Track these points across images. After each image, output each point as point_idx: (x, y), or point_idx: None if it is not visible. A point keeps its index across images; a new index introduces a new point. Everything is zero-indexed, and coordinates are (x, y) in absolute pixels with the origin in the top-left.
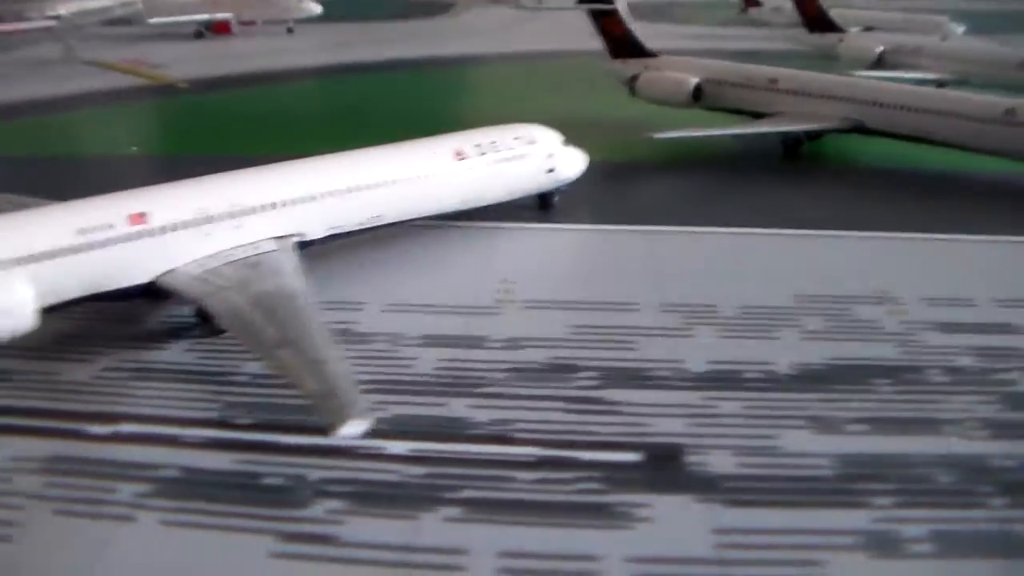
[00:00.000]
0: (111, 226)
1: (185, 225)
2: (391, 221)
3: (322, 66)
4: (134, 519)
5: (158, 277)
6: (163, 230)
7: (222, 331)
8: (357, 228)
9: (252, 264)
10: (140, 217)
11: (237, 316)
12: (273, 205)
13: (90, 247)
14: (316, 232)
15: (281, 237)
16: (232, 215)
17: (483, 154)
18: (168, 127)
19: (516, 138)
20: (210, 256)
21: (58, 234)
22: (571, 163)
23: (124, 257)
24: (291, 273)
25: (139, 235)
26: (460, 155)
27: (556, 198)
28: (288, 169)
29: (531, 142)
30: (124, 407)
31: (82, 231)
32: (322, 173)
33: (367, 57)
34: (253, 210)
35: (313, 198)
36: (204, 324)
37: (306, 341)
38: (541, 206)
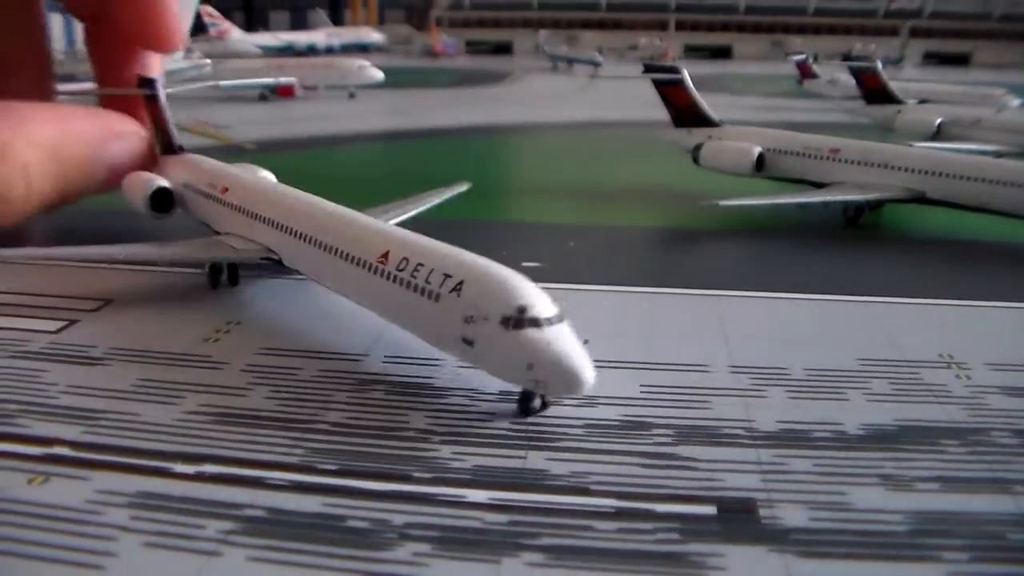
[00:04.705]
0: None
1: None
2: None
3: (383, 131)
4: (222, 554)
5: None
6: None
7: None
8: None
9: None
10: None
11: None
12: None
13: None
14: None
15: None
16: None
17: None
18: None
19: None
20: None
21: None
22: None
23: None
24: None
25: None
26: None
27: None
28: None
29: None
30: (207, 449)
31: None
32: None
33: (427, 123)
34: None
35: None
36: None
37: None
38: None
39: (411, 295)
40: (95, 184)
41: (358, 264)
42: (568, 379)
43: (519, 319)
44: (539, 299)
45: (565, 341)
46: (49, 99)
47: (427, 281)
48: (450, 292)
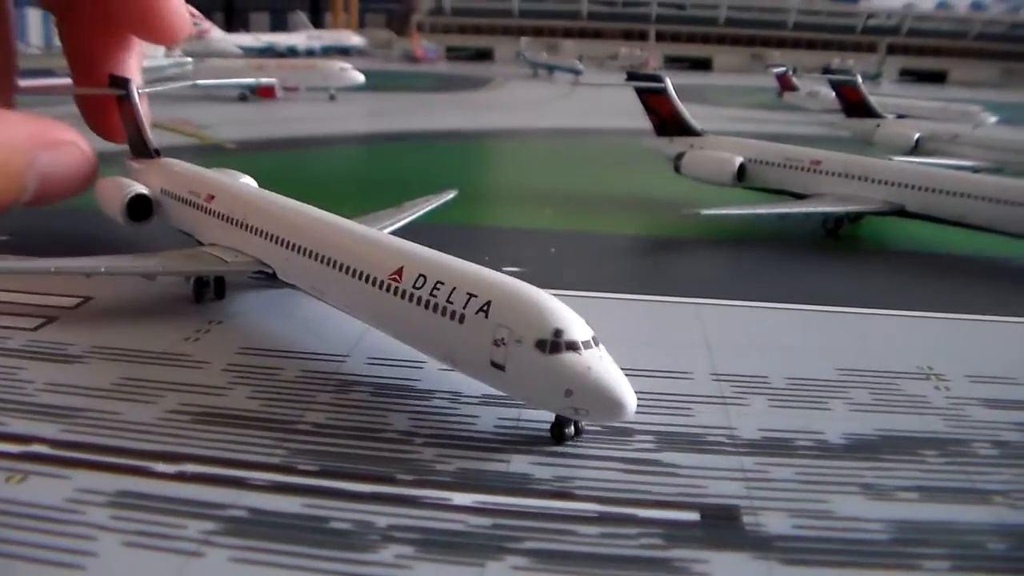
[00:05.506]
0: None
1: None
2: None
3: (364, 133)
4: (203, 555)
5: None
6: None
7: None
8: None
9: None
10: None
11: None
12: None
13: None
14: None
15: None
16: None
17: None
18: None
19: None
20: None
21: None
22: None
23: None
24: None
25: None
26: None
27: None
28: None
29: None
30: (188, 448)
31: None
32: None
33: (408, 127)
34: None
35: None
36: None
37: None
38: None
39: (431, 316)
40: (24, 194)
41: (367, 281)
42: (610, 406)
43: (556, 343)
44: (574, 321)
45: (605, 366)
46: (8, 94)
47: (448, 301)
48: (476, 313)
